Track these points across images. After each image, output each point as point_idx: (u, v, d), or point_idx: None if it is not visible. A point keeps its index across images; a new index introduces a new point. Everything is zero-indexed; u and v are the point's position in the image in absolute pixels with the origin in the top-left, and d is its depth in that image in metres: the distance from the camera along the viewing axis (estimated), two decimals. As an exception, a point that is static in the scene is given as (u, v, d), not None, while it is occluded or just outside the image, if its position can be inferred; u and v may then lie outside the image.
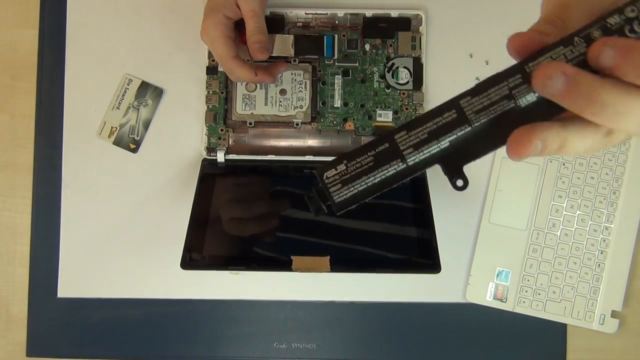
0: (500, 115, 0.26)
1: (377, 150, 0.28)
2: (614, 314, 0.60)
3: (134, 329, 0.61)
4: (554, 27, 0.26)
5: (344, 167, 0.28)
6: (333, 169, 0.28)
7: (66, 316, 0.61)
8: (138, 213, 0.62)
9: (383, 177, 0.28)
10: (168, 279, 0.61)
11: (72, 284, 0.61)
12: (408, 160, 0.27)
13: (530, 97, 0.25)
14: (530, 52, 0.25)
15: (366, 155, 0.28)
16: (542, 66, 0.24)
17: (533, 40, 0.25)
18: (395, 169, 0.27)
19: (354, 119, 0.60)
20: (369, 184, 0.28)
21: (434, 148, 0.27)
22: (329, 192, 0.28)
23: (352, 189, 0.28)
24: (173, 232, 0.60)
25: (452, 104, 0.27)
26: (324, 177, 0.28)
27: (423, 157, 0.27)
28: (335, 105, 0.60)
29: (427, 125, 0.27)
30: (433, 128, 0.27)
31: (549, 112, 0.25)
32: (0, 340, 0.62)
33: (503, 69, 0.26)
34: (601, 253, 0.61)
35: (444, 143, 0.27)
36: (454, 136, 0.27)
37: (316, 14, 0.61)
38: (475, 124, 0.26)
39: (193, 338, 0.61)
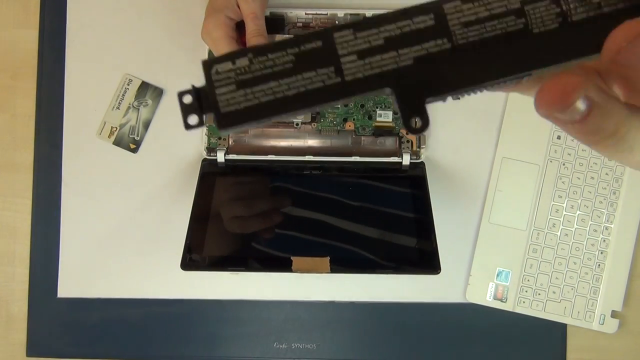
0: (499, 38, 0.18)
1: (303, 47, 0.19)
2: (614, 314, 0.60)
3: (134, 329, 0.61)
4: None
5: (247, 63, 0.19)
6: (229, 62, 0.19)
7: (66, 316, 0.61)
8: (138, 213, 0.62)
9: (302, 89, 0.19)
10: (168, 279, 0.61)
11: (72, 284, 0.61)
12: (345, 73, 0.19)
13: (551, 24, 0.18)
14: None
15: (285, 52, 0.19)
16: (558, 78, 0.17)
17: None
18: (323, 81, 0.19)
19: (354, 119, 0.60)
20: (277, 96, 0.19)
21: (389, 63, 0.19)
22: (214, 96, 0.19)
23: (251, 97, 0.19)
24: (173, 232, 0.60)
25: (432, 6, 0.19)
26: (213, 71, 0.19)
27: (369, 72, 0.19)
28: (335, 105, 0.60)
29: (387, 28, 0.19)
30: (394, 34, 0.19)
31: (575, 50, 0.18)
32: (0, 340, 0.62)
33: None
34: (601, 253, 0.61)
35: (406, 59, 0.19)
36: (424, 52, 0.18)
37: (316, 14, 0.61)
38: (460, 41, 0.18)
39: (193, 338, 0.61)
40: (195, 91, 0.20)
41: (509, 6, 0.18)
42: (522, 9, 0.18)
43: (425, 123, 0.19)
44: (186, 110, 0.20)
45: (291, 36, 0.17)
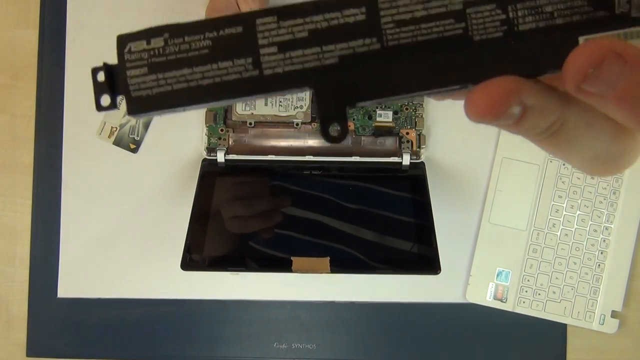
0: (434, 43, 0.16)
1: (221, 32, 0.17)
2: (614, 314, 0.60)
3: (134, 329, 0.61)
4: None
5: (162, 44, 0.17)
6: (144, 41, 0.18)
7: (66, 316, 0.61)
8: (138, 213, 0.62)
9: (217, 79, 0.17)
10: (168, 279, 0.61)
11: (72, 284, 0.61)
12: (264, 66, 0.17)
13: (495, 32, 0.16)
14: None
15: (202, 36, 0.17)
16: (488, 85, 0.15)
17: None
18: (240, 72, 0.17)
19: (354, 119, 0.60)
20: (191, 84, 0.17)
21: (312, 60, 0.17)
22: (125, 78, 0.18)
23: (163, 83, 0.17)
24: (173, 232, 0.60)
25: None
26: (126, 50, 0.18)
27: (289, 68, 0.17)
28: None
29: (314, 18, 0.17)
30: (321, 27, 0.17)
31: (519, 66, 0.16)
32: (0, 340, 0.62)
33: None
34: (601, 253, 0.61)
35: (330, 57, 0.17)
36: (350, 51, 0.17)
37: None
38: (390, 42, 0.16)
39: (193, 338, 0.61)
40: (107, 69, 0.18)
41: (450, 7, 0.16)
42: (463, 12, 0.16)
43: (344, 132, 0.17)
44: (99, 90, 0.18)
45: (212, 17, 0.16)
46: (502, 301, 0.61)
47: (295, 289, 0.61)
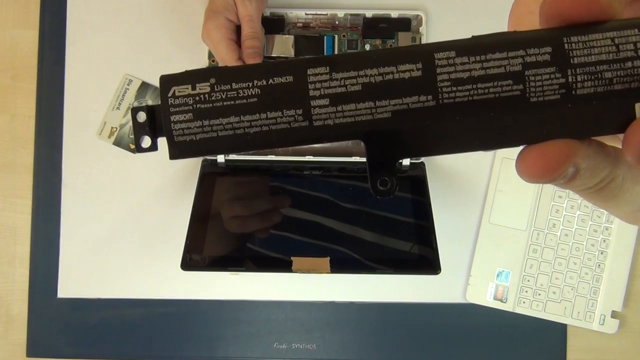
0: (490, 102, 0.16)
1: (271, 81, 0.16)
2: (614, 315, 0.60)
3: (134, 329, 0.61)
4: None
5: (208, 89, 0.17)
6: (189, 86, 0.17)
7: (66, 316, 0.61)
8: (138, 213, 0.62)
9: (264, 128, 0.16)
10: (168, 279, 0.61)
11: (72, 284, 0.61)
12: (314, 118, 0.16)
13: (552, 95, 0.16)
14: (576, 21, 0.15)
15: (251, 83, 0.16)
16: (542, 149, 0.15)
17: (591, 2, 0.15)
18: (289, 123, 0.16)
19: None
20: (237, 132, 0.17)
21: (364, 114, 0.16)
22: (169, 123, 0.17)
23: (208, 129, 0.17)
24: (173, 233, 0.60)
25: (421, 53, 0.16)
26: (170, 94, 0.17)
27: (341, 121, 0.16)
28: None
29: (368, 72, 0.16)
30: (374, 80, 0.16)
31: (574, 128, 0.16)
32: (0, 340, 0.62)
33: (527, 30, 0.16)
34: (601, 253, 0.61)
35: (383, 112, 0.16)
36: (404, 107, 0.16)
37: (316, 14, 0.61)
38: (445, 100, 0.16)
39: (193, 338, 0.61)
40: (149, 110, 0.17)
41: (509, 68, 0.16)
42: (522, 73, 0.16)
43: (394, 186, 0.17)
44: (139, 130, 0.18)
45: (261, 63, 0.14)
46: (502, 301, 0.61)
47: (295, 289, 0.61)
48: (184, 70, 0.17)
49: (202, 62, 0.61)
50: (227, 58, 0.52)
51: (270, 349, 0.61)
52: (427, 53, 0.16)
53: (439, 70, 0.16)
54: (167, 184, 0.62)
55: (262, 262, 0.54)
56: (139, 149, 0.18)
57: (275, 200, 0.58)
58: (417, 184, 0.57)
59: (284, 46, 0.59)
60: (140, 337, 0.61)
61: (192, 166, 0.62)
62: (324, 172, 0.59)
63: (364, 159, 0.59)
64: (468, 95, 0.16)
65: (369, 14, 0.60)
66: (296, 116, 0.16)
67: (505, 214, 0.61)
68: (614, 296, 0.60)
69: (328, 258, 0.49)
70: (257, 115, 0.16)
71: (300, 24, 0.61)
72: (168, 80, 0.17)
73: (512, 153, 0.61)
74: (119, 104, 0.62)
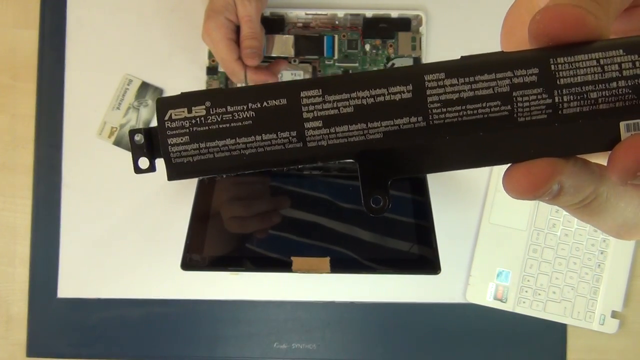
0: (479, 123, 0.16)
1: (265, 103, 0.17)
2: (614, 314, 0.60)
3: (134, 329, 0.61)
4: (598, 6, 0.16)
5: (204, 113, 0.17)
6: (185, 109, 0.17)
7: (66, 316, 0.61)
8: (138, 213, 0.62)
9: (260, 150, 0.17)
10: (168, 279, 0.61)
11: (72, 284, 0.61)
12: (308, 139, 0.17)
13: (539, 114, 0.16)
14: (563, 41, 0.16)
15: (246, 106, 0.17)
16: (528, 167, 0.16)
17: (579, 21, 0.15)
18: (283, 144, 0.17)
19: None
20: (233, 154, 0.17)
21: (357, 135, 0.17)
22: (166, 146, 0.17)
23: (205, 151, 0.17)
24: (173, 232, 0.60)
25: (412, 75, 0.17)
26: (167, 118, 0.17)
27: (334, 142, 0.17)
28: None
29: (359, 94, 0.17)
30: (366, 102, 0.17)
31: (560, 147, 0.16)
32: (0, 340, 0.62)
33: (514, 51, 0.17)
34: (601, 253, 0.61)
35: (375, 133, 0.17)
36: (396, 128, 0.17)
37: (316, 14, 0.61)
38: (436, 121, 0.16)
39: (193, 338, 0.61)
40: (146, 132, 0.18)
41: (497, 89, 0.16)
42: (510, 94, 0.16)
43: (386, 204, 0.17)
44: (137, 152, 0.18)
45: (254, 85, 0.17)
46: (502, 301, 0.61)
47: (295, 289, 0.61)
48: (180, 93, 0.17)
49: (202, 62, 0.61)
50: (226, 58, 0.52)
51: (270, 349, 0.61)
52: (417, 75, 0.17)
53: (429, 92, 0.16)
54: (167, 184, 0.62)
55: (262, 262, 0.54)
56: (137, 170, 0.18)
57: (275, 201, 0.58)
58: (417, 184, 0.57)
59: (283, 46, 0.59)
60: (140, 337, 0.61)
61: (192, 166, 0.61)
62: (323, 173, 0.59)
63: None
64: (457, 116, 0.16)
65: (369, 14, 0.60)
66: (290, 138, 0.17)
67: (505, 213, 0.61)
68: (614, 296, 0.60)
69: (328, 258, 0.49)
70: (252, 137, 0.17)
71: (300, 24, 0.61)
72: (164, 104, 0.17)
73: (512, 153, 0.61)
74: (119, 103, 0.62)
